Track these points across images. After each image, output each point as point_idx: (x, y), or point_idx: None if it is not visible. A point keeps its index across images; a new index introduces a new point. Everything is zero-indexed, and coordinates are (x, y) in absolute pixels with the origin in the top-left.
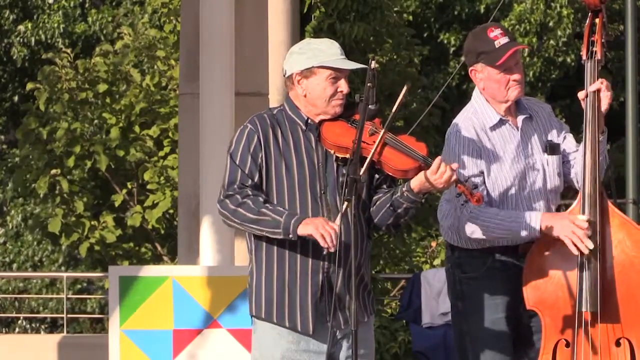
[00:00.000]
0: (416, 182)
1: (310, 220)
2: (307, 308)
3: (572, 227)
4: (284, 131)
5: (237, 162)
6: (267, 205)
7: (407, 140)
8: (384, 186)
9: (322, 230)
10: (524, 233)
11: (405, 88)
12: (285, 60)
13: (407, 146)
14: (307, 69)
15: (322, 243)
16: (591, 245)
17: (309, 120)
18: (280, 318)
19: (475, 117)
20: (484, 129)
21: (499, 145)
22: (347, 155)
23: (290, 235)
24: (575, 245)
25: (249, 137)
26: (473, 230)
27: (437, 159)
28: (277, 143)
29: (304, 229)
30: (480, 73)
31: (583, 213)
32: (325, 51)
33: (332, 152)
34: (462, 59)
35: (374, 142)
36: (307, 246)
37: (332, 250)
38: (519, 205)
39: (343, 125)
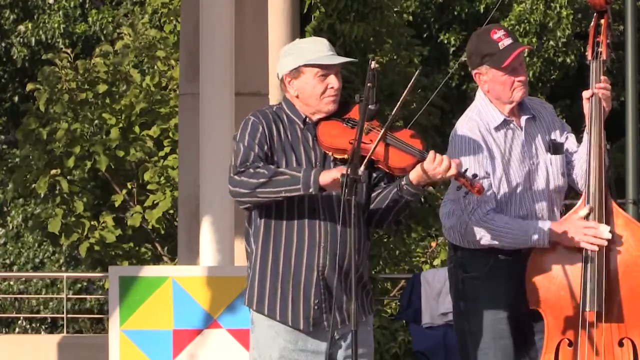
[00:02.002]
0: (414, 175)
1: (327, 170)
2: (299, 306)
3: (581, 230)
4: (284, 128)
5: (246, 145)
6: (280, 168)
7: (403, 136)
8: (382, 183)
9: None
10: (532, 244)
11: (417, 73)
12: (277, 63)
13: (404, 142)
14: (295, 69)
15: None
16: (607, 235)
17: (307, 119)
18: (271, 312)
19: (479, 117)
20: (488, 129)
21: (503, 145)
22: (345, 156)
23: (311, 189)
24: (594, 244)
25: (254, 127)
26: (482, 236)
27: (431, 152)
28: (280, 139)
29: (325, 176)
30: (485, 75)
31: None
32: (310, 49)
33: (329, 153)
34: (462, 59)
35: (371, 140)
36: (303, 244)
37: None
38: (523, 205)
39: (338, 125)
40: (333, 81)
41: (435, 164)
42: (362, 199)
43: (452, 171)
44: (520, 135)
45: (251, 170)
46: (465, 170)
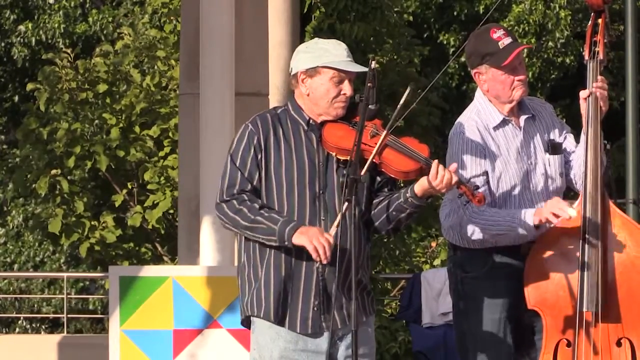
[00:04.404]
0: (419, 188)
1: (305, 230)
2: (299, 307)
3: (555, 205)
4: (285, 131)
5: (237, 164)
6: (262, 212)
7: (409, 142)
8: (385, 189)
9: (316, 242)
10: (520, 230)
11: (408, 90)
12: (292, 58)
13: (409, 147)
14: (312, 68)
15: (314, 256)
16: (573, 213)
17: (311, 121)
18: (275, 316)
19: (479, 117)
20: (487, 129)
21: (502, 145)
22: (349, 158)
23: (286, 243)
24: (559, 216)
25: (249, 138)
26: (473, 231)
27: (434, 163)
28: (277, 143)
29: (298, 239)
30: (485, 75)
31: (584, 212)
32: (332, 52)
33: (333, 154)
34: (462, 59)
35: (376, 143)
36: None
37: (324, 262)
38: (521, 205)
39: (345, 127)
40: (347, 88)
41: (439, 178)
42: (362, 200)
43: (454, 180)
44: (519, 134)
45: (236, 204)
46: (468, 181)
